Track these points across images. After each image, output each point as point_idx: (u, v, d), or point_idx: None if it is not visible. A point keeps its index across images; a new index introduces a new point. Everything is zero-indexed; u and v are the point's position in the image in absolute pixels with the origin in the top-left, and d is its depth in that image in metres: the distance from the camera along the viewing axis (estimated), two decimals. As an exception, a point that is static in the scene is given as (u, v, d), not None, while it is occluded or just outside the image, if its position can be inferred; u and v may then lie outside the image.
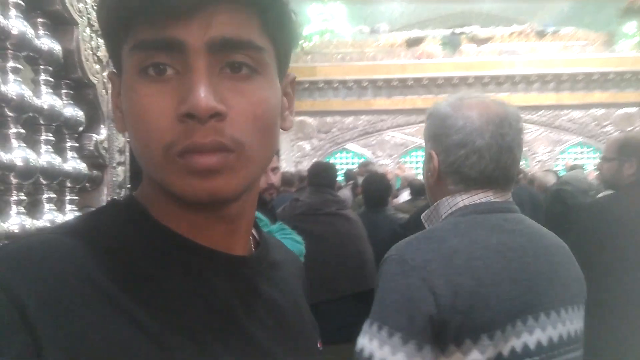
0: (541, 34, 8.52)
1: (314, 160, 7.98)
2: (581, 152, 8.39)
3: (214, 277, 0.51)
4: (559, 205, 3.34)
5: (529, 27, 8.72)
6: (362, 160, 7.85)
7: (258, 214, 1.68)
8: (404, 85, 8.14)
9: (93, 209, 1.09)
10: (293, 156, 8.17)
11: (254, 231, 0.65)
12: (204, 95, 0.43)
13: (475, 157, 0.99)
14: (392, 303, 0.91)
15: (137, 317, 0.43)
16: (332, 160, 8.19)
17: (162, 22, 0.43)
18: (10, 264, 0.41)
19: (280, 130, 0.54)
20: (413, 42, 8.39)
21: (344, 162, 8.02)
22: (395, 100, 8.20)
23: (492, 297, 0.89)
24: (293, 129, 8.40)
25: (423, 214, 1.12)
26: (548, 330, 0.94)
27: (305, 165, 6.72)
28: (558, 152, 8.34)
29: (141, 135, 0.46)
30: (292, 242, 1.68)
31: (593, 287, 1.17)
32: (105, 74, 1.07)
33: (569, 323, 0.98)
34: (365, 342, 0.91)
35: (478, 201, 1.01)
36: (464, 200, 1.02)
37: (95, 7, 1.03)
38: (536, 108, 8.31)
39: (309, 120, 8.24)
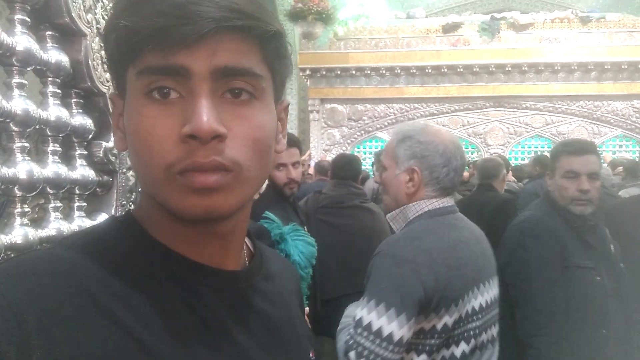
0: (585, 20, 8.15)
1: (344, 148, 7.96)
2: (620, 146, 8.06)
3: (206, 292, 0.54)
4: None
5: (572, 13, 8.35)
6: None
7: (269, 214, 1.69)
8: (438, 73, 7.96)
9: (103, 213, 1.12)
10: (323, 144, 8.16)
11: (249, 243, 0.67)
12: (207, 118, 0.46)
13: (452, 174, 1.38)
14: (388, 286, 1.22)
15: (132, 330, 0.46)
16: (362, 149, 8.14)
17: (170, 49, 0.46)
18: (11, 278, 0.44)
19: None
20: (450, 28, 8.17)
21: (375, 152, 7.97)
22: (429, 88, 8.04)
23: (458, 277, 1.27)
24: (323, 116, 8.40)
25: (388, 214, 1.45)
26: (484, 296, 1.33)
27: (335, 153, 6.70)
28: (597, 145, 8.04)
29: (144, 154, 0.49)
30: (305, 243, 1.69)
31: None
32: (115, 81, 1.09)
33: (492, 290, 1.39)
34: (364, 313, 1.22)
35: (438, 206, 1.38)
36: (427, 205, 1.38)
37: (104, 16, 1.04)
38: (576, 98, 8.00)
39: (340, 107, 8.19)
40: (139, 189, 1.25)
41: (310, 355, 0.69)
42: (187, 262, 0.53)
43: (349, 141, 8.22)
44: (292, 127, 9.86)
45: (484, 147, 8.16)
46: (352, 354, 1.19)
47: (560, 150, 1.94)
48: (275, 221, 1.66)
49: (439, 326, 1.24)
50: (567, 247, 1.77)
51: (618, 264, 1.88)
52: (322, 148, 8.08)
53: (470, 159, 7.01)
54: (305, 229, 2.08)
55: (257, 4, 0.50)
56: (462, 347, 1.28)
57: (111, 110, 0.60)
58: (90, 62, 0.99)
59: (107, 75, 1.07)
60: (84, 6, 0.96)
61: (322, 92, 8.17)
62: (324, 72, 8.04)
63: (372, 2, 9.20)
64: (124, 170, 1.16)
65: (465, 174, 4.71)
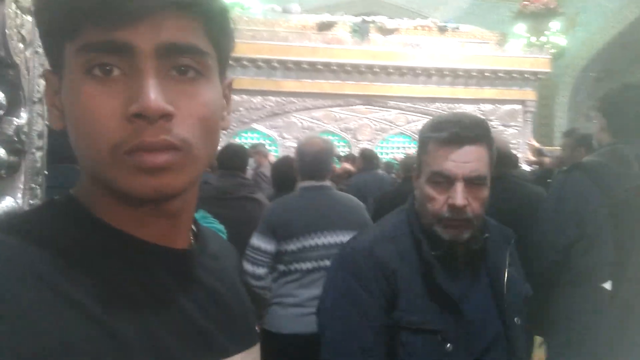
0: (442, 29, 9.02)
1: (220, 139, 7.83)
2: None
3: (156, 270, 0.54)
4: None
5: (431, 22, 9.17)
6: (267, 141, 7.86)
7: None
8: (313, 69, 8.21)
9: (9, 197, 1.02)
10: (198, 134, 7.94)
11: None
12: (154, 97, 0.45)
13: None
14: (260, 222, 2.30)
15: (80, 303, 0.44)
16: (238, 140, 8.09)
17: (111, 25, 0.45)
18: None
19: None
20: (324, 26, 8.48)
21: (250, 143, 7.98)
22: (304, 83, 8.26)
23: (293, 221, 2.27)
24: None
25: None
26: (320, 239, 2.26)
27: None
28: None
29: (86, 134, 0.47)
30: (216, 230, 1.69)
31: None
32: (27, 53, 1.00)
33: (327, 238, 2.23)
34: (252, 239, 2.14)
35: (306, 185, 2.42)
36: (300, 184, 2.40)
37: (20, -18, 0.95)
38: (433, 100, 8.82)
39: (217, 97, 8.04)
40: (45, 172, 1.16)
41: (257, 328, 0.71)
42: (136, 241, 0.53)
43: (225, 132, 8.11)
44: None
45: (354, 141, 8.62)
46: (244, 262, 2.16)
47: (429, 135, 1.17)
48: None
49: (287, 249, 2.21)
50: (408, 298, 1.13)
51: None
52: (196, 138, 7.86)
53: (342, 152, 7.35)
54: None
55: None
56: (306, 265, 2.20)
57: (44, 88, 0.56)
58: (6, 29, 0.90)
59: (21, 45, 0.98)
60: (2, -32, 0.87)
61: (197, 81, 7.94)
62: (199, 62, 7.82)
63: (246, -7, 9.13)
64: (33, 150, 1.06)
65: (338, 167, 5.00)
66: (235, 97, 8.07)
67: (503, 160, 2.56)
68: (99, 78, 0.46)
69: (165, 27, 0.46)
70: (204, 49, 0.50)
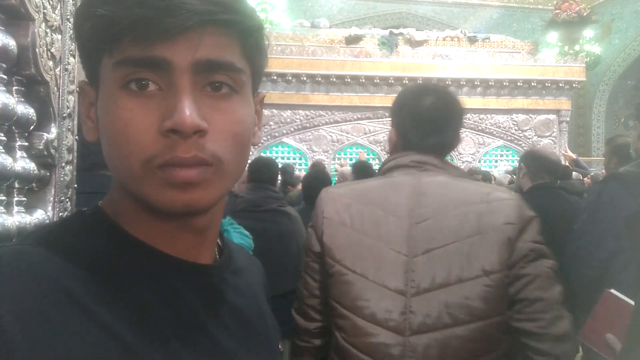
0: (472, 40, 8.93)
1: (250, 153, 7.91)
2: (501, 155, 8.89)
3: (181, 285, 0.54)
4: None
5: (461, 33, 9.09)
6: (297, 154, 7.88)
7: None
8: (342, 82, 8.23)
9: (40, 210, 1.05)
10: (229, 148, 8.05)
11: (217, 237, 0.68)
12: (189, 113, 0.45)
13: None
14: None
15: (111, 328, 0.44)
16: (268, 154, 8.16)
17: (149, 41, 0.45)
18: None
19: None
20: (352, 40, 8.51)
21: (280, 157, 8.02)
22: (333, 96, 8.29)
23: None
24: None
25: None
26: None
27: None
28: (482, 154, 8.80)
29: (120, 147, 0.48)
30: (241, 236, 1.70)
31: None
32: (57, 70, 1.03)
33: None
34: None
35: None
36: None
37: (51, 2, 0.99)
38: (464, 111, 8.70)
39: (247, 112, 8.14)
40: (75, 185, 1.19)
41: (279, 346, 0.71)
42: (161, 256, 0.53)
43: (256, 146, 8.19)
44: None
45: (384, 154, 8.58)
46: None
47: None
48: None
49: None
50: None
51: None
52: (227, 152, 7.97)
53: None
54: None
55: None
56: None
57: (80, 99, 0.57)
58: (37, 48, 0.93)
59: (51, 63, 1.01)
60: (33, -11, 0.91)
61: (228, 97, 8.07)
62: (230, 77, 7.95)
63: (276, 9, 9.28)
64: (63, 164, 1.09)
65: None
66: (265, 112, 8.17)
67: (555, 170, 2.61)
68: (135, 92, 0.47)
69: (202, 43, 0.47)
70: (239, 66, 0.51)
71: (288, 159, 8.10)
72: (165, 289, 0.52)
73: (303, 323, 1.31)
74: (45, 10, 0.96)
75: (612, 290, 1.39)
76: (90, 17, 0.47)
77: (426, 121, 1.29)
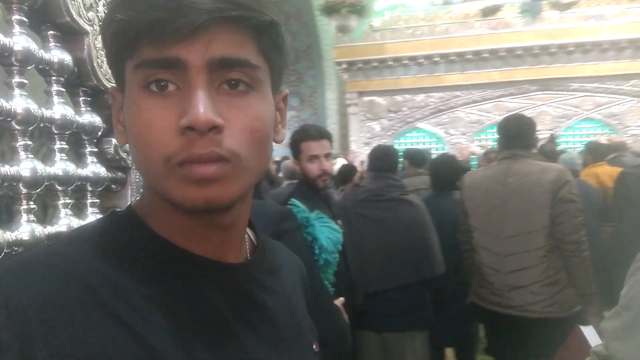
0: (635, -6, 7.71)
1: (384, 140, 7.87)
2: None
3: (207, 285, 0.54)
4: (622, 190, 3.19)
5: (620, -13, 7.91)
6: (433, 139, 7.61)
7: (294, 200, 1.68)
8: (479, 58, 7.75)
9: (119, 209, 1.14)
10: (363, 137, 8.10)
11: (252, 235, 0.66)
12: (203, 110, 0.46)
13: None
14: None
15: (133, 325, 0.46)
16: (403, 141, 8.03)
17: (164, 42, 0.47)
18: (10, 273, 0.44)
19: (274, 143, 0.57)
20: (489, 11, 7.93)
21: (415, 142, 7.83)
22: (469, 74, 7.83)
23: None
24: (362, 109, 8.36)
25: None
26: None
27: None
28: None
29: (143, 147, 0.50)
30: (330, 230, 1.66)
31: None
32: (123, 78, 1.10)
33: None
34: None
35: None
36: None
37: (103, 14, 1.05)
38: (627, 77, 7.59)
39: (378, 99, 8.10)
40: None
41: (314, 347, 0.68)
42: (187, 255, 0.54)
43: (389, 133, 8.12)
44: (333, 122, 9.84)
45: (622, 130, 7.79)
46: None
47: None
48: (299, 206, 1.65)
49: None
50: None
51: None
52: (362, 141, 8.02)
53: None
54: (339, 223, 2.04)
55: None
56: None
57: (112, 105, 0.59)
58: (94, 59, 1.00)
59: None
60: (84, 4, 0.97)
61: (359, 85, 8.12)
62: (361, 65, 7.98)
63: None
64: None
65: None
66: (397, 98, 8.05)
67: None
68: (155, 93, 0.49)
69: (215, 42, 0.48)
70: (255, 63, 0.51)
71: (424, 144, 7.88)
72: (189, 288, 0.52)
73: None
74: (100, 23, 1.02)
75: (581, 327, 1.45)
76: (111, 24, 0.49)
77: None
